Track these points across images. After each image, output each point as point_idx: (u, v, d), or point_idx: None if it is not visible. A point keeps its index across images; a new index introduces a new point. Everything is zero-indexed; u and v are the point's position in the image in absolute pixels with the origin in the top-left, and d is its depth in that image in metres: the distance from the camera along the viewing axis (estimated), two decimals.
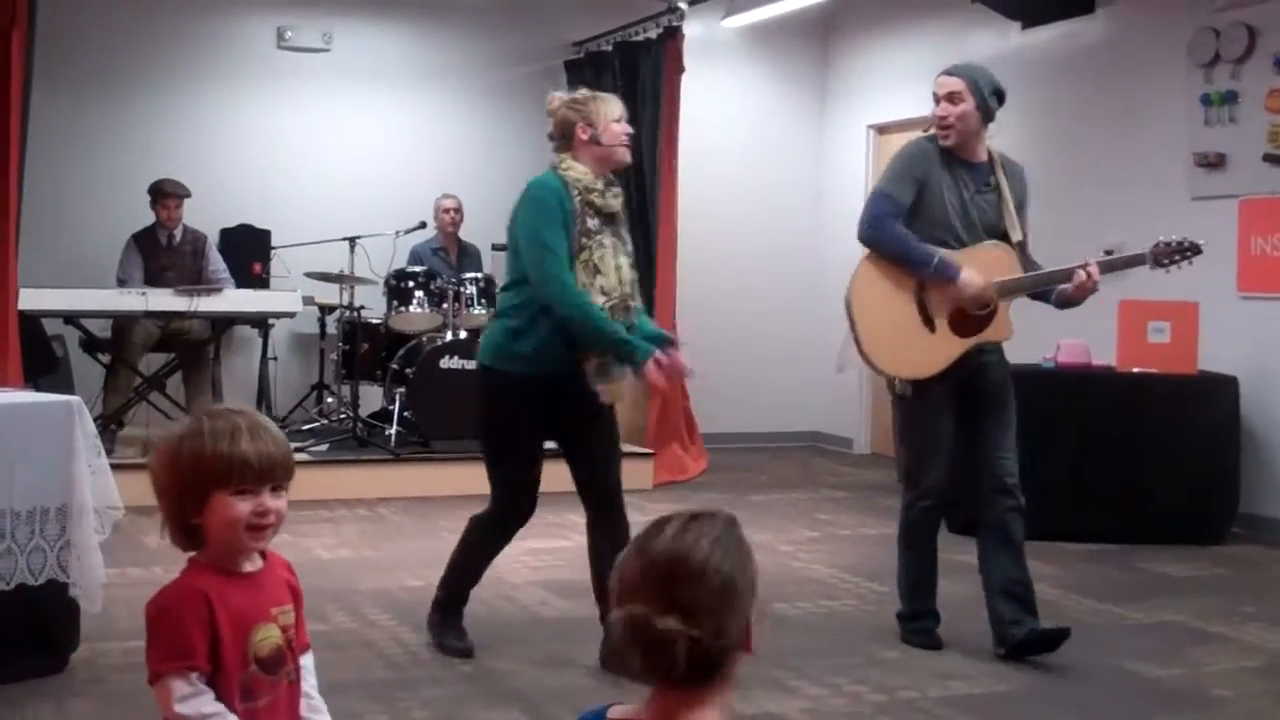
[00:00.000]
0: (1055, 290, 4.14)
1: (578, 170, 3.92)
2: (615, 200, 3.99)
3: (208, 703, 1.84)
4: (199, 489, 1.86)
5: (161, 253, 7.32)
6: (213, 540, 1.89)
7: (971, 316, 4.13)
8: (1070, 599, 5.03)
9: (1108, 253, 4.25)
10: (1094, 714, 3.76)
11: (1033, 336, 6.61)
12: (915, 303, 4.13)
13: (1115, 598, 5.05)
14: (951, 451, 4.21)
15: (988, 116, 4.14)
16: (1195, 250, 4.20)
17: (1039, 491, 6.08)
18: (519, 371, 3.91)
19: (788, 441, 9.39)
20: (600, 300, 3.82)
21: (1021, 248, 4.17)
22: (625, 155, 4.03)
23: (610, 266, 3.88)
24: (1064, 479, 6.08)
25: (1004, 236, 4.19)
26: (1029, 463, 6.04)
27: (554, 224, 3.82)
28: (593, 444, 4.05)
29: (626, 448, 7.77)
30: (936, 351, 4.12)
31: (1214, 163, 6.64)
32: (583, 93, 4.09)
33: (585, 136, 3.95)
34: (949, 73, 4.17)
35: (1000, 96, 4.16)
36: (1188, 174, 6.77)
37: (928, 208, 4.11)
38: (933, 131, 4.18)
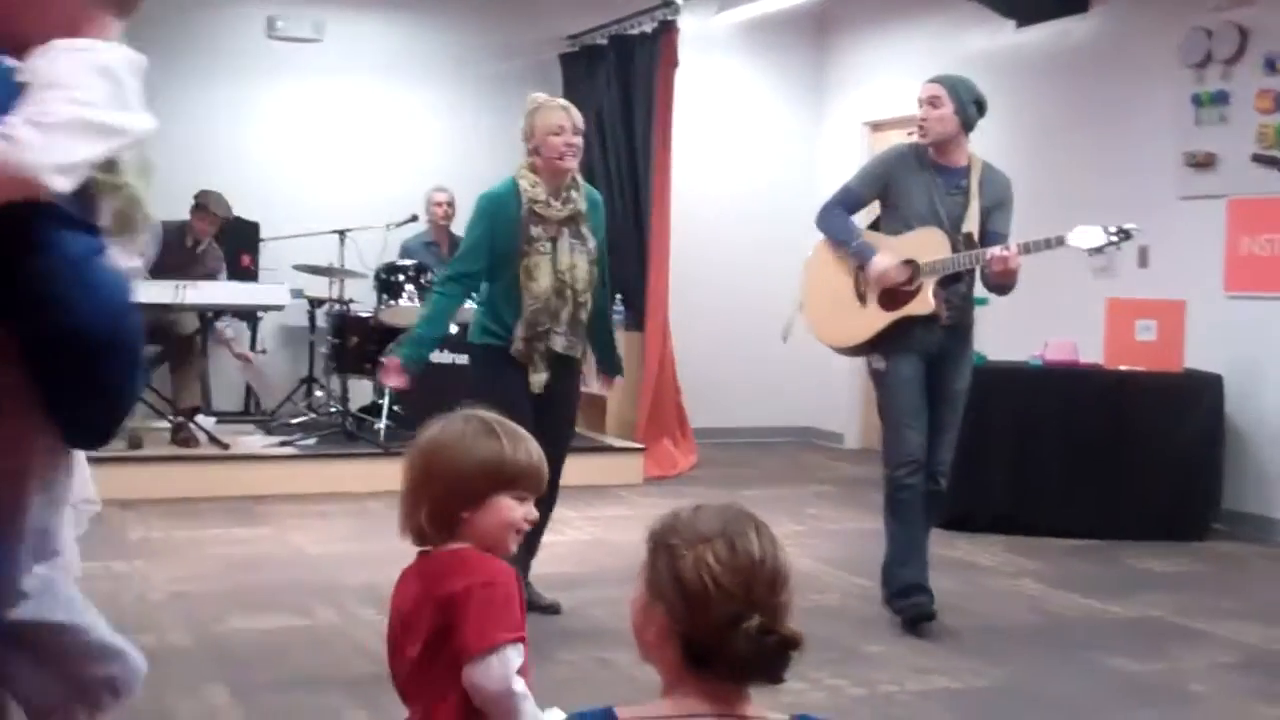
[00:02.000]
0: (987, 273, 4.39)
1: (528, 181, 4.28)
2: (564, 209, 4.29)
3: (521, 681, 1.93)
4: (485, 487, 1.94)
5: (183, 252, 7.26)
6: (479, 536, 1.97)
7: (898, 293, 4.42)
8: (1053, 593, 5.05)
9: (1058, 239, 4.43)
10: (1072, 708, 3.78)
11: (1022, 335, 6.69)
12: (852, 280, 4.56)
13: (1097, 593, 5.07)
14: (925, 422, 4.43)
15: (966, 123, 4.42)
16: (1125, 235, 4.40)
17: (1026, 487, 6.19)
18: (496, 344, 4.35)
19: (779, 437, 9.41)
20: (529, 303, 4.25)
21: (969, 239, 4.39)
22: (564, 165, 4.29)
23: (544, 273, 4.25)
24: (1050, 475, 6.13)
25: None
26: (1017, 458, 6.18)
27: (478, 230, 4.31)
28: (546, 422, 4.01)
29: (617, 442, 7.90)
30: (864, 323, 4.51)
31: (1203, 162, 6.65)
32: (531, 100, 4.36)
33: (530, 148, 4.30)
34: (933, 80, 4.48)
35: (980, 106, 4.45)
36: (1177, 173, 6.79)
37: (895, 203, 4.49)
38: (915, 135, 4.51)
